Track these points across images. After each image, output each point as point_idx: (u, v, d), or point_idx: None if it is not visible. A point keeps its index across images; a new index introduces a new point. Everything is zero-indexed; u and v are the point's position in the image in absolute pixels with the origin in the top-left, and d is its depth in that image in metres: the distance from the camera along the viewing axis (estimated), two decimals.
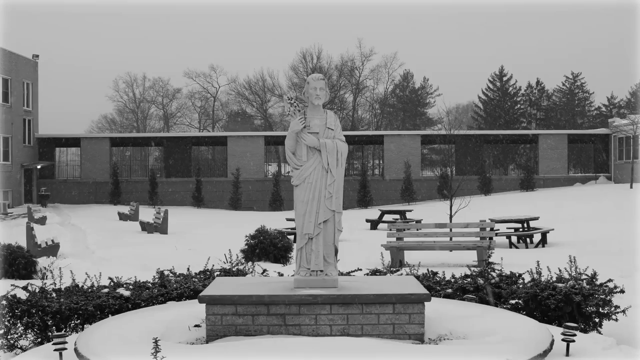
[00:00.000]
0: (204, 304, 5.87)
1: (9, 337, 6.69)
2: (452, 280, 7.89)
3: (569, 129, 57.52)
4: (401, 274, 8.30)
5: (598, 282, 7.25)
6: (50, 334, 6.62)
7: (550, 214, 24.10)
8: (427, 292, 5.94)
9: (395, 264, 13.27)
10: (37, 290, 7.16)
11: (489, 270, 7.94)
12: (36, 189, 39.61)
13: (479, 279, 7.66)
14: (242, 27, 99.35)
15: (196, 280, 7.86)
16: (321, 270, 6.09)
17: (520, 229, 18.73)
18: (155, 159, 61.20)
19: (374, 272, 8.46)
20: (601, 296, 6.96)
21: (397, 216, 26.78)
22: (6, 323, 6.71)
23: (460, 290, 7.54)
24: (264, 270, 8.98)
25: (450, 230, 15.50)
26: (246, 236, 14.54)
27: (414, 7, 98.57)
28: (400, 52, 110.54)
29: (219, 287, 6.26)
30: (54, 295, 7.09)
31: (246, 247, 14.24)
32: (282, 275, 8.43)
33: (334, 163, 6.12)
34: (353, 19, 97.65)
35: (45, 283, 7.39)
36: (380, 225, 25.06)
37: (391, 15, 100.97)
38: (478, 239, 14.25)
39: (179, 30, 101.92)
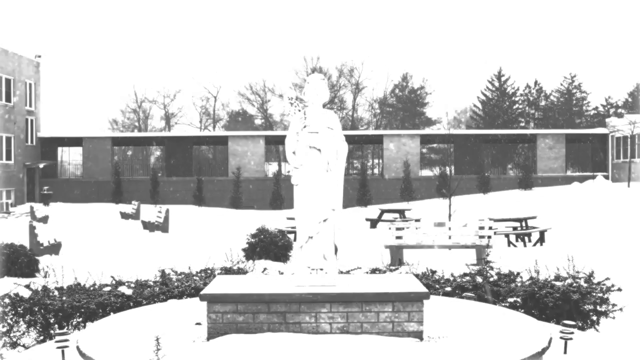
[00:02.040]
0: (205, 302, 5.91)
1: (11, 334, 6.74)
2: (451, 278, 7.94)
3: (567, 128, 57.53)
4: (400, 273, 8.36)
5: (595, 281, 7.30)
6: (52, 331, 6.69)
7: (548, 212, 24.16)
8: (426, 290, 5.98)
9: (394, 262, 13.32)
10: (39, 288, 7.21)
11: (488, 268, 8.00)
12: (39, 188, 39.62)
13: (478, 277, 7.72)
14: (242, 27, 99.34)
15: (197, 278, 7.91)
16: (321, 269, 6.15)
17: (519, 228, 18.80)
18: (156, 158, 61.22)
19: (374, 271, 8.52)
20: (599, 294, 7.02)
21: (397, 215, 26.83)
22: (9, 321, 6.77)
23: (459, 288, 7.59)
24: (265, 269, 9.06)
25: (449, 229, 15.55)
26: (247, 235, 14.60)
27: (414, 8, 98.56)
28: (400, 52, 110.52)
29: (219, 285, 6.31)
30: (56, 293, 7.15)
31: (247, 245, 14.30)
32: (282, 273, 8.48)
33: (333, 162, 6.17)
34: (353, 20, 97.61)
35: (47, 281, 7.46)
36: (380, 224, 25.10)
37: (391, 16, 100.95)
38: (477, 237, 14.31)
39: (179, 30, 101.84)
